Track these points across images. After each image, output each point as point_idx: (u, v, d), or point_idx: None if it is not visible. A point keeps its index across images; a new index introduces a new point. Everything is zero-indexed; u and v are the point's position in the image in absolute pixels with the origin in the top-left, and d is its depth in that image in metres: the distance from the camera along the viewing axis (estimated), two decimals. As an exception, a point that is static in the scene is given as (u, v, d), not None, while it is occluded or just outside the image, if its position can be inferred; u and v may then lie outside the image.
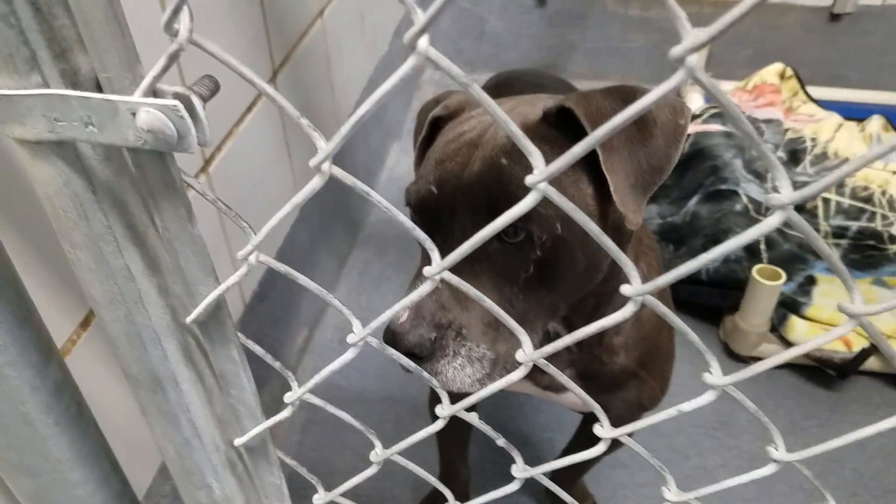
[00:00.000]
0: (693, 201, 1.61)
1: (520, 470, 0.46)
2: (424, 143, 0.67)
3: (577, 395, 0.43)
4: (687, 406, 0.40)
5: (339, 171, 0.33)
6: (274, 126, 1.12)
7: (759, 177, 1.69)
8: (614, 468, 1.17)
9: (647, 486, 1.16)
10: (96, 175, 0.35)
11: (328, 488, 0.53)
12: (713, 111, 1.83)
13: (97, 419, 0.55)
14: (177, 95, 0.30)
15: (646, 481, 1.17)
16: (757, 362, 0.36)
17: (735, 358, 1.37)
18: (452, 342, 0.55)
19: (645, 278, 0.68)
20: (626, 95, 0.54)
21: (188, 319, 0.40)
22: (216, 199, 0.36)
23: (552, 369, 0.41)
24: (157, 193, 0.35)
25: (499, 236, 0.55)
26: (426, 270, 0.36)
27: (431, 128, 0.67)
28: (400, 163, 1.87)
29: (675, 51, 0.25)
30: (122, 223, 0.37)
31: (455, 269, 0.55)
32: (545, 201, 0.53)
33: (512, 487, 0.47)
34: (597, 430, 0.43)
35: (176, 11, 0.27)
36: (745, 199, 1.56)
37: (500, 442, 0.48)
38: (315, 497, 0.53)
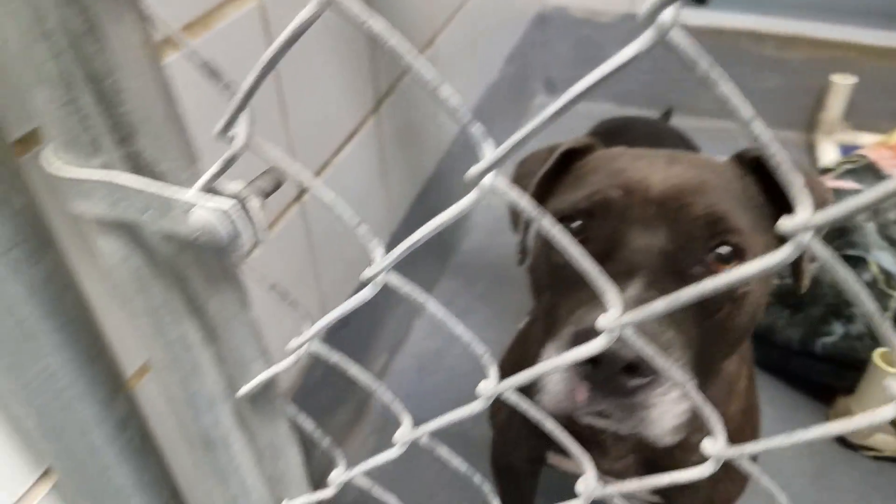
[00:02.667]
0: (816, 265, 1.50)
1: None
2: (550, 175, 0.64)
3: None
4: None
5: (395, 280, 0.31)
6: (372, 157, 1.12)
7: (895, 244, 1.54)
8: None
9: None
10: (157, 252, 0.35)
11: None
12: (848, 166, 1.70)
13: (167, 441, 0.56)
14: (234, 196, 0.30)
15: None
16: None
17: (844, 445, 1.25)
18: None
19: (731, 388, 0.62)
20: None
21: (238, 395, 0.40)
22: (273, 285, 0.35)
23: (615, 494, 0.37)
24: (214, 277, 0.34)
25: (706, 263, 0.52)
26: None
27: (561, 161, 0.64)
28: (502, 190, 1.85)
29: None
30: (182, 297, 0.37)
31: (654, 289, 0.50)
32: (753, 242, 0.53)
33: None
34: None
35: (231, 121, 0.26)
36: (875, 269, 1.42)
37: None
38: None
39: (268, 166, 0.33)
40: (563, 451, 0.76)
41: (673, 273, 0.51)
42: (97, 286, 0.58)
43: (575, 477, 1.06)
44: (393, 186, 1.23)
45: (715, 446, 0.28)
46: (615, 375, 0.45)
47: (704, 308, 0.52)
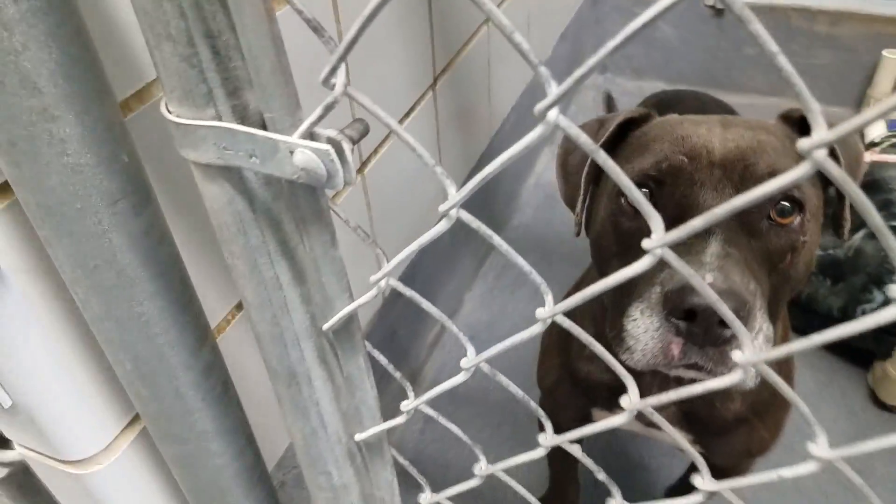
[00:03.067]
0: (859, 235, 1.49)
1: (617, 505, 0.47)
2: (607, 145, 0.66)
3: (678, 442, 0.43)
4: (787, 472, 0.39)
5: (466, 216, 0.35)
6: (429, 132, 1.17)
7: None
8: None
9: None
10: (256, 197, 0.40)
11: (443, 480, 0.56)
12: (893, 140, 1.68)
13: (242, 392, 0.61)
14: (330, 140, 0.34)
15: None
16: (866, 442, 0.34)
17: (881, 407, 1.27)
18: (759, 314, 0.51)
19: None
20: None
21: (324, 327, 0.45)
22: (357, 227, 0.40)
23: (657, 417, 0.41)
24: (307, 219, 0.39)
25: (772, 218, 0.56)
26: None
27: (617, 132, 0.67)
28: (550, 168, 1.87)
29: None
30: (276, 239, 0.42)
31: (731, 245, 0.53)
32: (810, 194, 0.57)
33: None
34: (695, 480, 0.42)
35: (333, 70, 0.31)
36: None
37: (601, 476, 0.49)
38: (421, 496, 0.57)
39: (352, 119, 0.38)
40: (608, 408, 0.80)
41: (744, 229, 0.55)
42: (186, 243, 0.64)
43: (619, 432, 1.10)
44: (447, 164, 1.27)
45: (743, 356, 0.32)
46: (710, 327, 0.49)
47: (771, 259, 0.56)
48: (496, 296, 1.55)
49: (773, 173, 0.56)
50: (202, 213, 0.57)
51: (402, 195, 1.11)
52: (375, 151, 1.00)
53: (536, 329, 0.38)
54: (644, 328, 0.53)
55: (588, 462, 0.48)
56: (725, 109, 1.13)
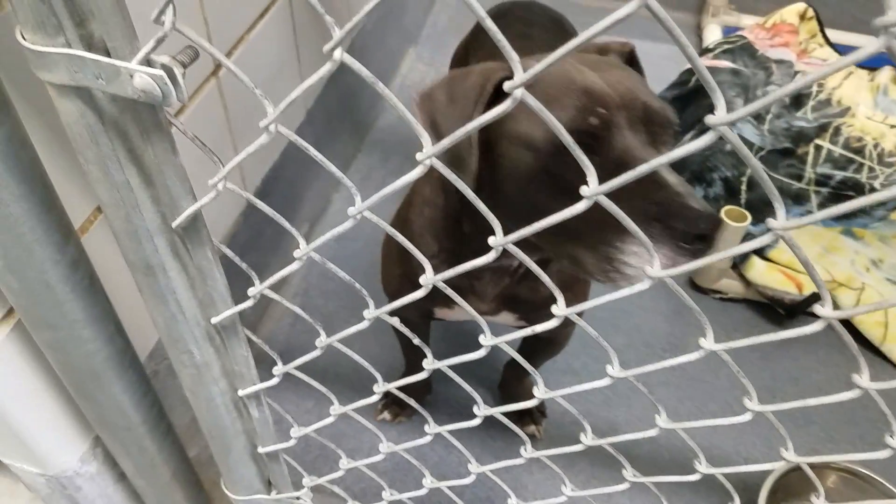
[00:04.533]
0: (688, 136, 1.67)
1: (429, 363, 0.59)
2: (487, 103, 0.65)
3: (468, 311, 0.55)
4: (539, 328, 0.51)
5: (284, 131, 0.43)
6: (285, 33, 1.20)
7: (758, 118, 1.73)
8: (566, 374, 1.31)
9: (594, 392, 1.31)
10: (104, 111, 0.45)
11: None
12: (726, 46, 1.85)
13: (110, 289, 0.68)
14: (163, 66, 0.41)
15: (592, 387, 1.31)
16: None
17: (697, 289, 1.49)
18: None
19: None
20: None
21: (173, 224, 0.52)
22: (193, 136, 0.47)
23: (448, 290, 0.52)
24: (149, 130, 0.46)
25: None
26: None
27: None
28: (414, 70, 1.93)
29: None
30: (124, 147, 0.48)
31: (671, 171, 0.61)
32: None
33: (423, 375, 0.60)
34: (481, 339, 0.54)
35: (162, 10, 0.37)
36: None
37: (416, 341, 0.60)
38: (275, 369, 0.66)
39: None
40: (447, 305, 0.92)
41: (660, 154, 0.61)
42: (48, 153, 0.67)
43: (458, 323, 1.23)
44: (307, 62, 1.30)
45: (495, 239, 0.43)
46: (709, 240, 0.56)
47: None
48: (364, 196, 1.63)
49: (663, 108, 0.64)
50: (59, 125, 0.60)
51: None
52: (229, 54, 1.02)
53: (347, 224, 0.47)
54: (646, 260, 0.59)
55: (405, 330, 0.59)
56: (551, 18, 1.22)
